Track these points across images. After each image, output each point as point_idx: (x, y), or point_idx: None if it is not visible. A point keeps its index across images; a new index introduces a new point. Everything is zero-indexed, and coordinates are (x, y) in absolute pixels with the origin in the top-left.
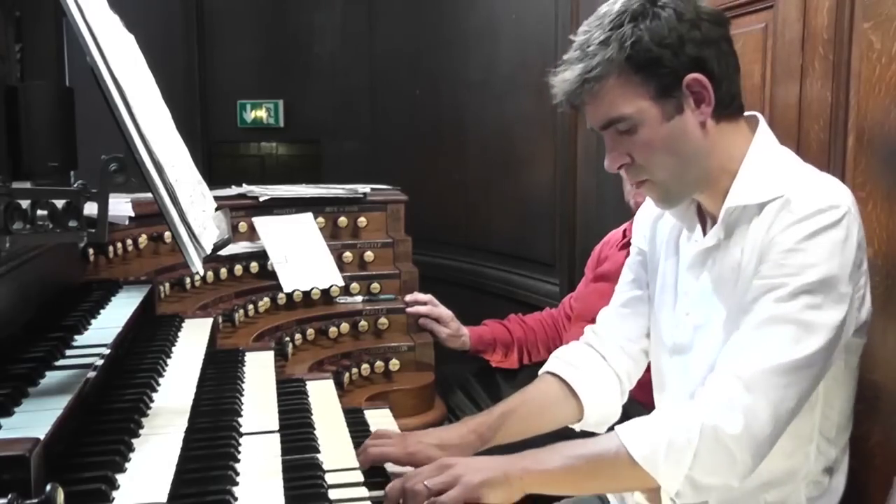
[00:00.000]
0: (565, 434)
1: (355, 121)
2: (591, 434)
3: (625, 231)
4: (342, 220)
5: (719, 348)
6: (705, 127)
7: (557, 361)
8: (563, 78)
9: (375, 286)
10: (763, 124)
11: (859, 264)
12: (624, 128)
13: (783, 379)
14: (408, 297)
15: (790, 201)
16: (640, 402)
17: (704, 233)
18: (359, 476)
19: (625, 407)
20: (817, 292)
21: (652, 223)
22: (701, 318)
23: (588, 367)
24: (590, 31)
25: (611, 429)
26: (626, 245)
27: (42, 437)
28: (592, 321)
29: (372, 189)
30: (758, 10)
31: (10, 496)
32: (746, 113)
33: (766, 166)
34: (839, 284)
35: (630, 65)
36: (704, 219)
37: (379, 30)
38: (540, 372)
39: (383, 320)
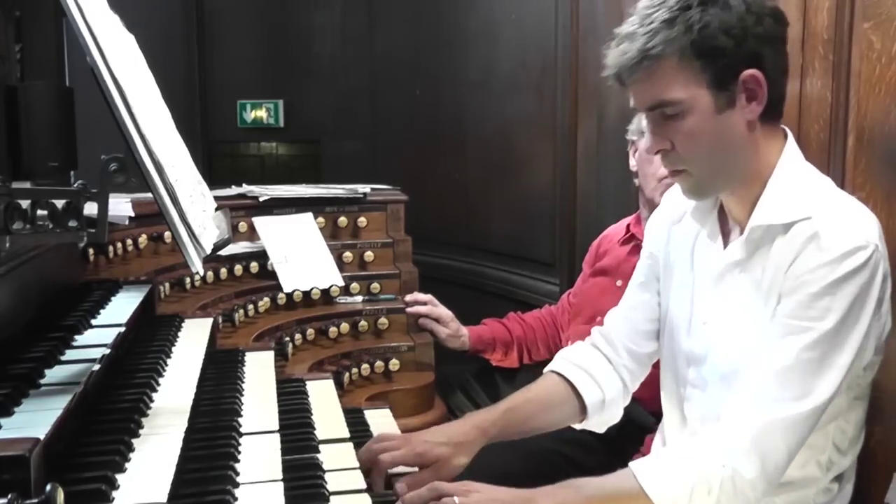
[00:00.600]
0: (570, 436)
1: (355, 121)
2: (591, 434)
3: (628, 225)
4: (342, 220)
5: (735, 359)
6: (752, 127)
7: (562, 361)
8: (622, 50)
9: (375, 286)
10: (791, 137)
11: (883, 297)
12: (672, 112)
13: (801, 425)
14: (408, 297)
15: (819, 236)
16: (639, 398)
17: (725, 240)
18: (359, 476)
19: (626, 407)
20: (839, 336)
21: (668, 227)
22: (718, 329)
23: (593, 368)
24: (653, 6)
25: (619, 445)
26: (628, 240)
27: (42, 437)
28: (592, 317)
29: (372, 189)
30: None
31: (10, 496)
32: None
33: (794, 183)
34: (859, 324)
35: (693, 49)
36: (725, 225)
37: (379, 30)
38: (545, 370)
39: (383, 320)
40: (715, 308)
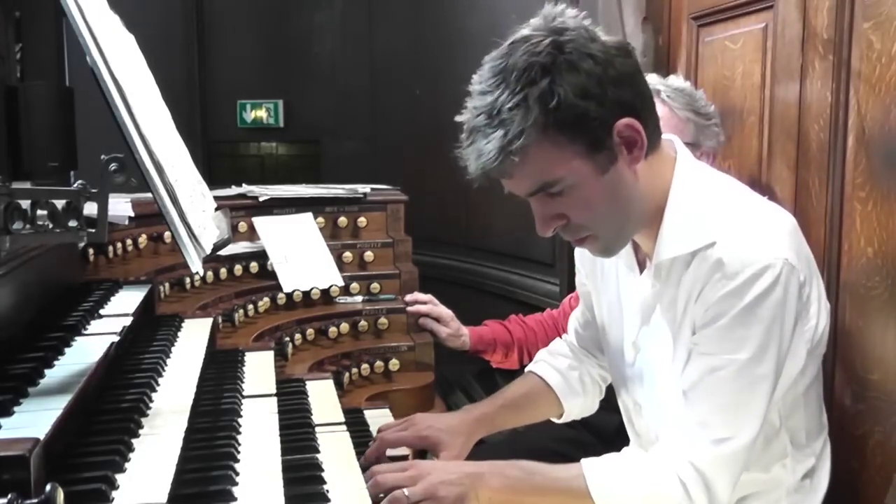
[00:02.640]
0: (570, 436)
1: (355, 121)
2: (591, 433)
3: None
4: (342, 220)
5: (664, 387)
6: (636, 171)
7: (540, 364)
8: (478, 151)
9: (375, 286)
10: (681, 147)
11: (806, 300)
12: (556, 190)
13: (740, 456)
14: (408, 297)
15: (723, 263)
16: None
17: (641, 268)
18: (359, 476)
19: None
20: (761, 360)
21: (592, 258)
22: (647, 355)
23: (565, 370)
24: (492, 91)
25: (618, 444)
26: None
27: (42, 437)
28: None
29: (372, 189)
30: (758, 10)
31: (10, 496)
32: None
33: (692, 208)
34: (781, 343)
35: (556, 126)
36: (639, 253)
37: (379, 30)
38: (525, 370)
39: (383, 320)
40: (642, 333)
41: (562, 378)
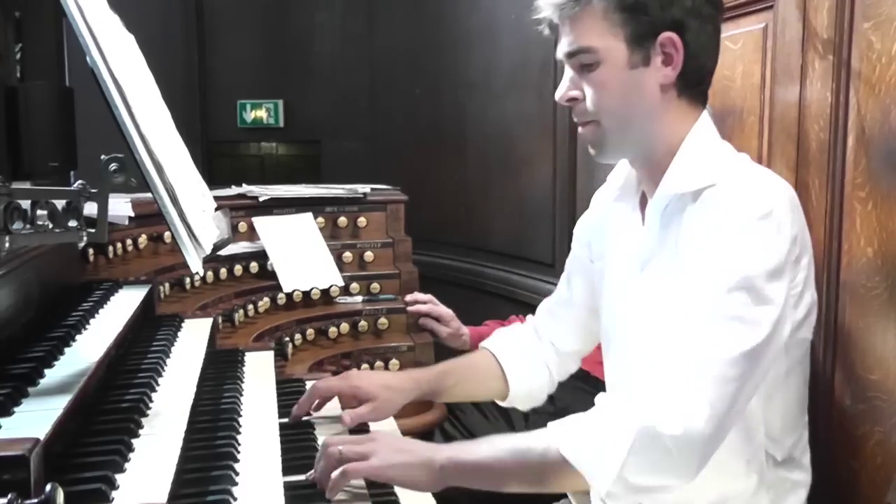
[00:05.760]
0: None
1: (355, 121)
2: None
3: None
4: (342, 220)
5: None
6: (665, 91)
7: (496, 342)
8: None
9: (375, 286)
10: (706, 115)
11: (796, 260)
12: (587, 61)
13: (720, 377)
14: (408, 297)
15: (715, 197)
16: (598, 377)
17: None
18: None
19: (581, 382)
20: (750, 289)
21: (597, 220)
22: (648, 311)
23: (522, 353)
24: None
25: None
26: None
27: (42, 437)
28: None
29: (372, 189)
30: (758, 10)
31: (10, 496)
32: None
33: (703, 153)
34: (771, 280)
35: (618, 1)
36: (646, 208)
37: (379, 30)
38: (480, 345)
39: (383, 320)
40: (642, 290)
41: (515, 358)
